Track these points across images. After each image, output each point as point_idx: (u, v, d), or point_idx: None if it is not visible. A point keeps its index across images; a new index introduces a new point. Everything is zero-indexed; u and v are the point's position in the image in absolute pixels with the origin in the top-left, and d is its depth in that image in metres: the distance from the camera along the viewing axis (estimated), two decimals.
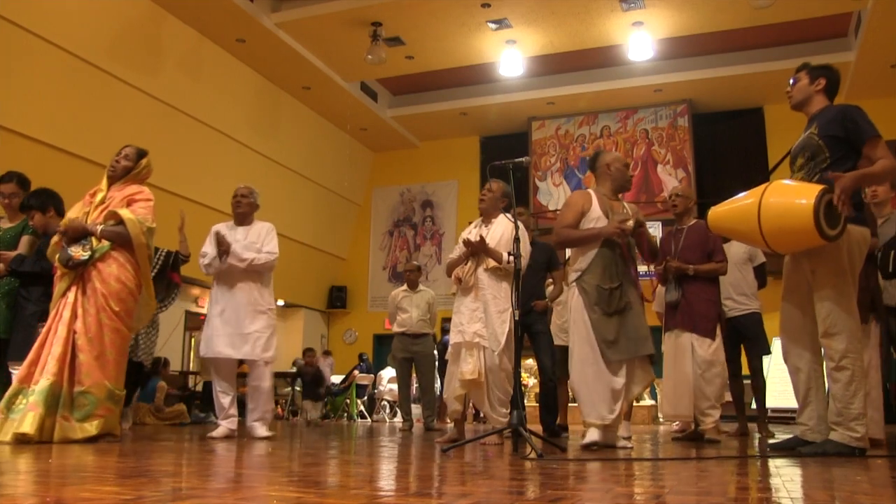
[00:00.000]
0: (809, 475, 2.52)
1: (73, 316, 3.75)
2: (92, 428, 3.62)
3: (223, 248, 4.75)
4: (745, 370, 5.68)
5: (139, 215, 3.92)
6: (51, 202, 4.62)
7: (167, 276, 6.38)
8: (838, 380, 3.25)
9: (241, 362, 4.93)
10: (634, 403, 8.90)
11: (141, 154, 4.20)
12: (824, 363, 3.42)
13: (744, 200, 3.39)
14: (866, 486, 2.19)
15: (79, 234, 3.86)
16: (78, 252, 3.78)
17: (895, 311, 4.46)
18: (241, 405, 5.40)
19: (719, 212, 3.58)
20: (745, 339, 5.55)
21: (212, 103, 10.66)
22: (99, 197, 4.05)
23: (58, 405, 3.61)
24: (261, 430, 4.76)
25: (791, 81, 3.65)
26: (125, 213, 3.89)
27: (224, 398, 4.82)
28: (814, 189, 3.12)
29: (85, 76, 8.63)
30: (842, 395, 3.23)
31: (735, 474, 2.55)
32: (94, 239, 3.85)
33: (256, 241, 4.86)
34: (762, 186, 3.32)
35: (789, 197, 3.20)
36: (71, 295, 3.80)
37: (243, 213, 4.99)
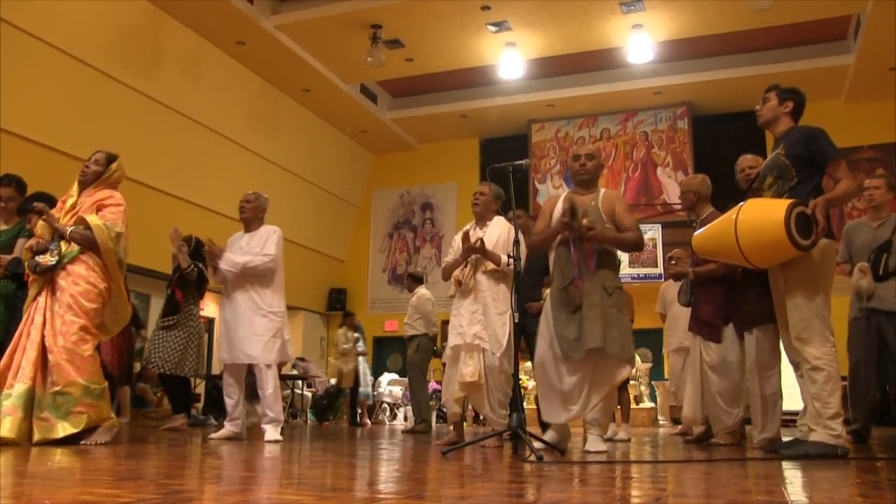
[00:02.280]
0: (810, 478, 2.52)
1: (44, 320, 3.78)
2: (73, 426, 3.62)
3: (213, 255, 4.77)
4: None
5: (109, 220, 3.93)
6: (48, 206, 4.63)
7: (172, 288, 6.31)
8: (815, 380, 3.35)
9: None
10: (633, 406, 8.91)
11: (111, 159, 4.18)
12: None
13: (721, 222, 3.60)
14: (865, 489, 2.19)
15: (47, 245, 3.89)
16: (45, 259, 3.84)
17: (885, 313, 4.50)
18: None
19: (700, 236, 3.77)
20: None
21: (211, 106, 10.66)
22: (70, 202, 4.07)
23: (34, 408, 3.63)
24: (270, 433, 4.75)
25: (761, 101, 3.80)
26: (93, 219, 3.91)
27: (229, 401, 4.87)
28: (783, 203, 3.33)
29: (85, 78, 8.63)
30: (818, 394, 3.33)
31: (736, 476, 2.55)
32: (62, 243, 3.87)
33: (257, 246, 4.86)
34: (736, 207, 3.52)
35: (762, 212, 3.41)
36: (41, 299, 3.85)
37: (248, 218, 5.01)
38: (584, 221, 3.67)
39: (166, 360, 6.18)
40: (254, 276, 4.81)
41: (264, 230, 4.98)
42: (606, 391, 3.71)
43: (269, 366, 4.79)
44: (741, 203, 3.53)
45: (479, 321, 4.35)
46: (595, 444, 3.70)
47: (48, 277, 3.86)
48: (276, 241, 4.91)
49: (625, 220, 3.82)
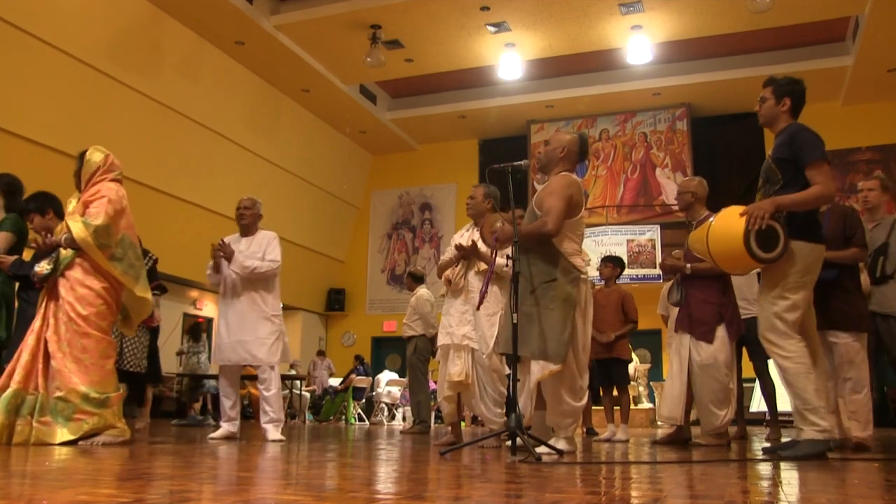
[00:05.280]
0: (807, 479, 2.53)
1: (45, 325, 3.82)
2: (71, 432, 3.64)
3: (226, 253, 4.82)
4: (749, 373, 5.64)
5: (91, 216, 3.91)
6: (49, 205, 4.63)
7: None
8: (786, 379, 3.32)
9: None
10: (632, 407, 8.91)
11: (81, 153, 4.17)
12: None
13: (704, 226, 3.56)
14: (862, 489, 2.20)
15: (49, 250, 3.93)
16: (42, 267, 3.87)
17: (883, 315, 4.48)
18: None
19: (693, 236, 3.74)
20: (748, 343, 5.43)
21: (211, 106, 10.66)
22: (70, 207, 4.06)
23: (20, 410, 3.67)
24: (272, 433, 4.84)
25: (759, 100, 3.64)
26: (69, 220, 3.92)
27: (226, 401, 4.95)
28: None
29: (84, 78, 8.63)
30: (793, 391, 3.30)
31: (734, 478, 2.55)
32: (61, 250, 3.89)
33: (258, 251, 4.95)
34: (717, 213, 3.49)
35: (729, 221, 3.37)
36: (44, 305, 3.90)
37: (247, 224, 5.10)
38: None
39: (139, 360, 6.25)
40: (257, 281, 4.91)
41: (262, 235, 5.08)
42: (530, 387, 3.63)
43: (272, 367, 4.89)
44: (719, 212, 3.51)
45: (468, 322, 4.37)
46: (555, 442, 3.58)
47: (50, 284, 3.89)
48: (278, 246, 5.03)
49: (544, 204, 3.60)
